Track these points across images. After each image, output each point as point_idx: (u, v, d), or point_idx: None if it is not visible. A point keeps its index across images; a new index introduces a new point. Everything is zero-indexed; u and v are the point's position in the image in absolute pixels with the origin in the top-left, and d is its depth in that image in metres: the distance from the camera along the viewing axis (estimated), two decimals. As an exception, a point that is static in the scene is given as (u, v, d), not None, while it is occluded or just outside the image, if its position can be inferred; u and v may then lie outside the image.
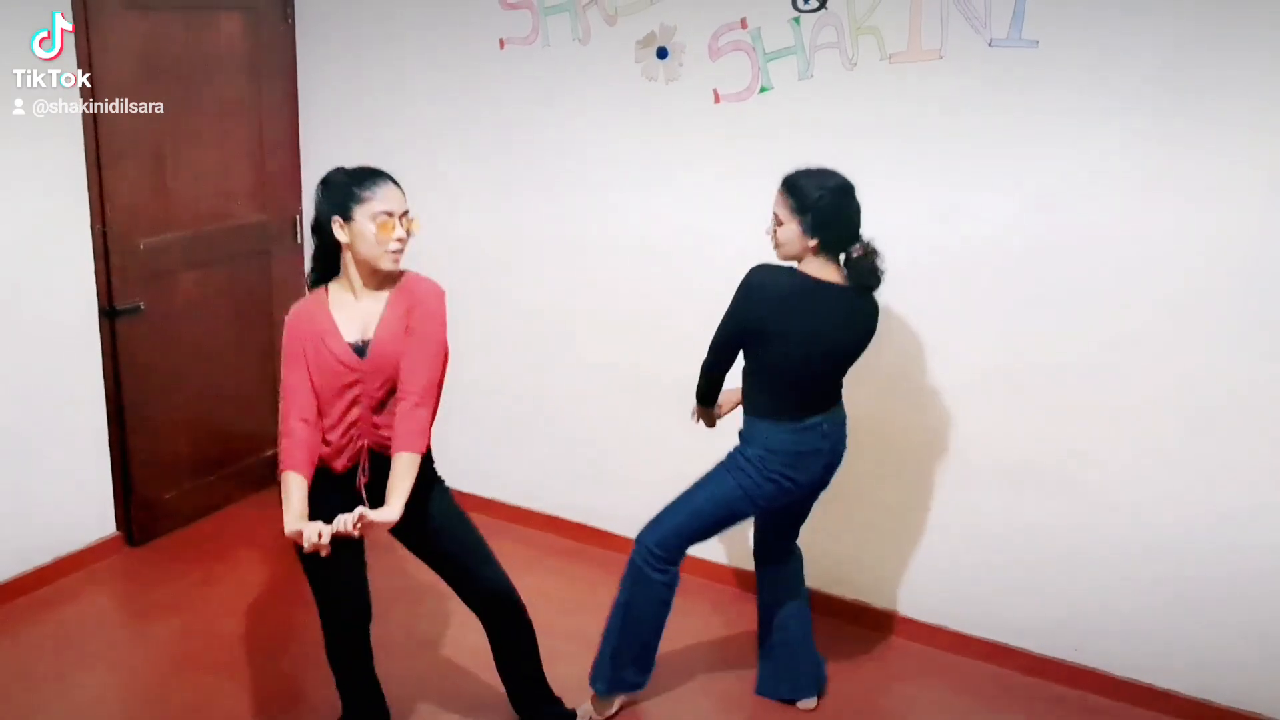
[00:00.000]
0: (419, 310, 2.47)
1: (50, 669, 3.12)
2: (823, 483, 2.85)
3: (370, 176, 2.44)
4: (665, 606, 2.89)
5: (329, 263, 2.53)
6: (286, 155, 4.22)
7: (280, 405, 2.49)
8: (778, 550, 3.05)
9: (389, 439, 2.47)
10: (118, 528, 3.82)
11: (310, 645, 3.28)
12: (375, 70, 4.00)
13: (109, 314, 3.63)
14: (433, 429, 2.53)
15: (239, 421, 4.22)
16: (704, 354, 2.82)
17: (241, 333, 4.16)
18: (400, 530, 2.50)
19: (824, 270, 2.66)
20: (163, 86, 3.66)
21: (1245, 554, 2.92)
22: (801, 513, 2.96)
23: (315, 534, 2.29)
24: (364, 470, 2.54)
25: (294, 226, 4.28)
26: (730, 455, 2.83)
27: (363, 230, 2.40)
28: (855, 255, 2.67)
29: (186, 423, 3.99)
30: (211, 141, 3.92)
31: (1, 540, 3.44)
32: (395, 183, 2.46)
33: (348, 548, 2.47)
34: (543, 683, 2.87)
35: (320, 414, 2.48)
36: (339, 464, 2.52)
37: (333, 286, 2.52)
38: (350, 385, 2.46)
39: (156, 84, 3.63)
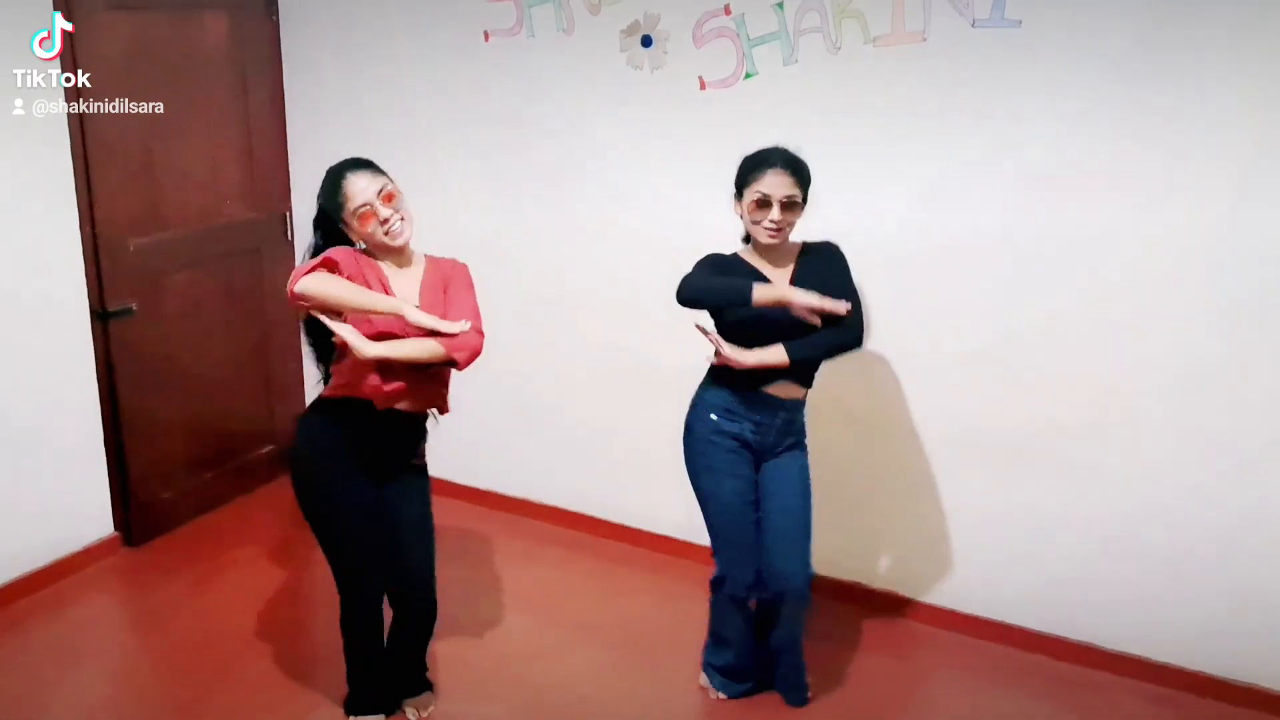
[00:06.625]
0: (456, 282, 2.67)
1: (50, 671, 3.13)
2: None
3: (338, 176, 2.57)
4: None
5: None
6: (274, 152, 4.22)
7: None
8: None
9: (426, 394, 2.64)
10: (116, 528, 3.83)
11: (311, 643, 3.30)
12: (359, 65, 4.00)
13: (101, 316, 3.63)
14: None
15: (235, 419, 4.23)
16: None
17: (234, 331, 4.17)
18: (376, 473, 2.68)
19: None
20: (149, 87, 3.65)
21: (1236, 525, 2.95)
22: None
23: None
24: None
25: (284, 223, 4.28)
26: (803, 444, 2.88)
27: (355, 227, 2.58)
28: None
29: (182, 422, 4.00)
30: (199, 141, 3.92)
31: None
32: (364, 167, 2.58)
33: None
34: (424, 663, 2.99)
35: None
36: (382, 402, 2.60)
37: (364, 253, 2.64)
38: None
39: (143, 85, 3.63)
